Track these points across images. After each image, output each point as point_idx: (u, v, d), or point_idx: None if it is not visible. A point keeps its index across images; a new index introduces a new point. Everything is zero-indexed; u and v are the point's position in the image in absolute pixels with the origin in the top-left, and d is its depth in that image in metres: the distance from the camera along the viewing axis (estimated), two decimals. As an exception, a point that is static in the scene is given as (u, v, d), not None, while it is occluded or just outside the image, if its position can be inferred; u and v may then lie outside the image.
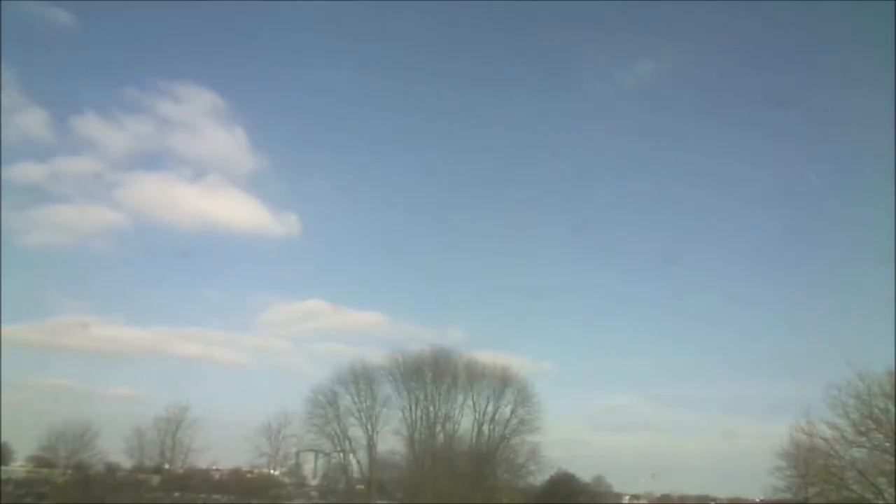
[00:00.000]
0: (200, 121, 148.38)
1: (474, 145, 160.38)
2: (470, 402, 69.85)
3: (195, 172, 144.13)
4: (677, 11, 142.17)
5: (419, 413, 69.04)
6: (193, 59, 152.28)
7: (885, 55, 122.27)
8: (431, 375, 69.60)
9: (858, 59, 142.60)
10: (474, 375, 70.22)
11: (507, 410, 69.96)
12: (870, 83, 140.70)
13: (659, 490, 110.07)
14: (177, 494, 68.94)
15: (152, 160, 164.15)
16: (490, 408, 69.87)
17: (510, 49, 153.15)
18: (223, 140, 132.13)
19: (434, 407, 69.08)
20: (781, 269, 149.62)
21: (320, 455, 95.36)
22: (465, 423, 70.06)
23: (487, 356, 73.79)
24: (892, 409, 43.45)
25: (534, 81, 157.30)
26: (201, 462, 73.17)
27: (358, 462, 70.76)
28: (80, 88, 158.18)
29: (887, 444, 43.39)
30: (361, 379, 68.94)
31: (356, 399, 68.54)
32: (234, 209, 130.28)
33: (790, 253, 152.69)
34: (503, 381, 70.32)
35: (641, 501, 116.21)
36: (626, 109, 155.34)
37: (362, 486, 71.13)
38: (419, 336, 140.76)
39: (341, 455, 72.34)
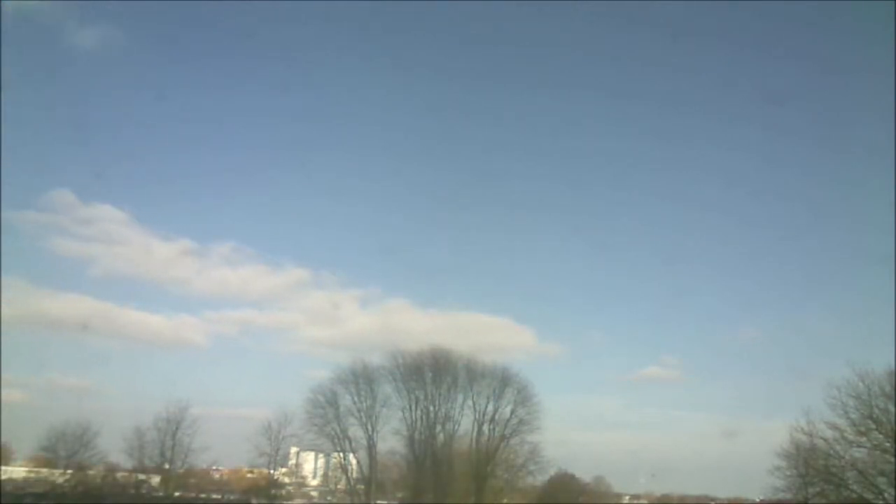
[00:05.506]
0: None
1: (475, 143, 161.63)
2: (470, 402, 69.80)
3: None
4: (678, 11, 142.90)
5: (419, 413, 69.01)
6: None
7: (886, 55, 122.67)
8: (431, 375, 69.52)
9: (859, 58, 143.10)
10: (474, 375, 70.15)
11: (507, 410, 69.86)
12: (870, 82, 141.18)
13: (659, 490, 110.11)
14: (177, 494, 68.89)
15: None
16: (490, 408, 69.78)
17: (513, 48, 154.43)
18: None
19: (434, 407, 69.01)
20: (781, 268, 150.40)
21: (320, 455, 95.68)
22: (465, 423, 70.01)
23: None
24: (892, 409, 43.51)
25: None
26: (201, 462, 72.97)
27: (358, 462, 70.69)
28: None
29: (887, 444, 43.41)
30: (361, 379, 68.94)
31: (356, 399, 68.58)
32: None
33: (790, 252, 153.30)
34: (503, 381, 70.22)
35: (641, 501, 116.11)
36: (628, 107, 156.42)
37: (362, 486, 70.99)
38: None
39: (341, 455, 72.28)
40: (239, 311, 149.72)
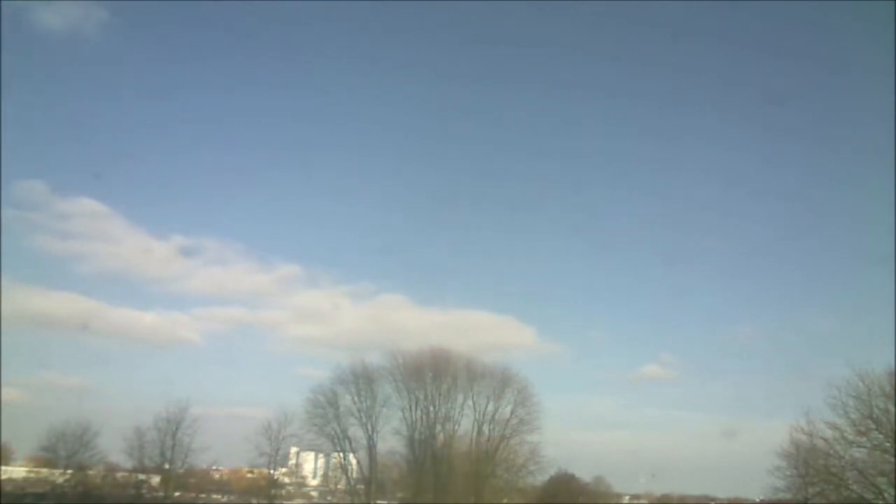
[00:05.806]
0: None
1: (476, 143, 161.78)
2: (470, 402, 69.78)
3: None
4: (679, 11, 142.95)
5: (419, 413, 68.97)
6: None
7: (886, 55, 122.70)
8: (431, 375, 69.53)
9: (859, 58, 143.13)
10: (474, 375, 70.15)
11: (507, 410, 69.83)
12: (870, 82, 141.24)
13: (659, 490, 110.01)
14: (177, 494, 68.90)
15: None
16: (490, 408, 69.75)
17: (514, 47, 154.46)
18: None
19: (434, 407, 68.98)
20: (781, 268, 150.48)
21: (320, 455, 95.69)
22: (465, 423, 70.00)
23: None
24: (892, 409, 43.48)
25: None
26: (201, 462, 72.88)
27: (358, 462, 70.68)
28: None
29: (887, 444, 43.39)
30: (361, 379, 68.87)
31: (356, 399, 68.51)
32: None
33: (790, 252, 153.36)
34: (503, 381, 70.20)
35: (641, 501, 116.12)
36: (628, 107, 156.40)
37: (362, 486, 70.99)
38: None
39: (341, 455, 72.28)
40: (233, 308, 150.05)
